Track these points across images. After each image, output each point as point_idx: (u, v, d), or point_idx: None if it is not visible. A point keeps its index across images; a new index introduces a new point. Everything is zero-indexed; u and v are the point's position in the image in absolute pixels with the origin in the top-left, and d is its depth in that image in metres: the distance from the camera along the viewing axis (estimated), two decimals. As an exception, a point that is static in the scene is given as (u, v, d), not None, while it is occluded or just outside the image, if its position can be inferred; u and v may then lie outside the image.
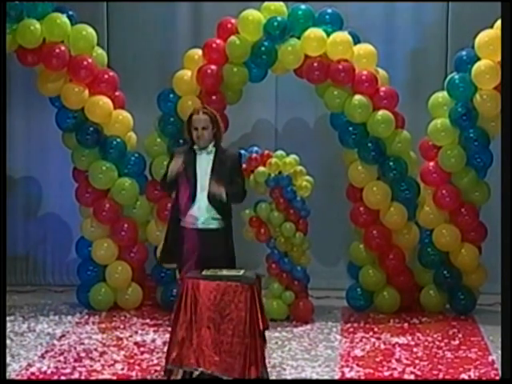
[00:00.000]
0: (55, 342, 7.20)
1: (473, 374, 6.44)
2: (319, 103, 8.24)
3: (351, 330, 7.62)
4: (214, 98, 8.10)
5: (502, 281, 5.74)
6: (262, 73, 8.18)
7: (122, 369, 6.51)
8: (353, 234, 8.34)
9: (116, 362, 6.66)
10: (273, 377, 6.31)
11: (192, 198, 6.38)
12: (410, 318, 7.95)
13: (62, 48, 7.87)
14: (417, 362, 6.72)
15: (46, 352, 6.90)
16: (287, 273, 7.83)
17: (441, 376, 6.42)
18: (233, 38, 7.99)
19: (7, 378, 6.27)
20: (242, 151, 7.76)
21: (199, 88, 8.10)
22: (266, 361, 6.45)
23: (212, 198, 6.34)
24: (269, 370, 6.35)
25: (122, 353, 6.88)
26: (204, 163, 6.44)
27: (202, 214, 6.38)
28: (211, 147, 6.47)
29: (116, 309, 8.21)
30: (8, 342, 7.13)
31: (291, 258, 7.84)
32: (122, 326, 7.68)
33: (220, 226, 6.41)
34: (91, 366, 6.56)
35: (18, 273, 9.23)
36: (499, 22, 7.45)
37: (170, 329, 7.29)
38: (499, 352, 6.62)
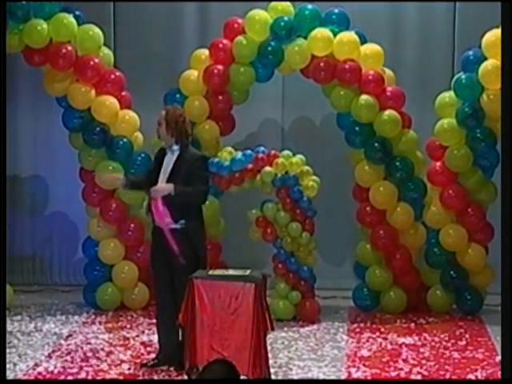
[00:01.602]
0: (62, 341, 7.21)
1: (480, 375, 6.43)
2: (326, 103, 8.23)
3: (358, 330, 7.62)
4: (220, 97, 8.11)
5: (502, 281, 5.73)
6: (269, 73, 8.18)
7: (129, 368, 6.51)
8: (359, 234, 8.34)
9: (123, 361, 6.66)
10: (279, 377, 6.31)
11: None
12: (417, 318, 7.94)
13: (69, 48, 7.88)
14: (423, 362, 6.71)
15: (53, 352, 6.91)
16: (294, 273, 7.83)
17: (448, 376, 6.41)
18: (239, 38, 7.99)
19: (15, 377, 6.29)
20: (249, 151, 7.78)
21: (206, 88, 8.10)
22: (273, 361, 6.47)
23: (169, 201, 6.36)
24: (275, 370, 6.36)
25: (129, 352, 6.88)
26: (167, 163, 6.53)
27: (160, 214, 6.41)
28: (176, 147, 6.53)
29: (123, 308, 8.22)
30: (15, 341, 7.15)
31: (298, 257, 7.83)
32: (128, 326, 7.69)
33: (180, 226, 6.39)
34: (98, 365, 6.57)
35: (24, 272, 9.24)
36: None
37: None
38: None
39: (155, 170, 6.61)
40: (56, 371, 6.45)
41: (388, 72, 8.08)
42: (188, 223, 6.41)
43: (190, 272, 6.23)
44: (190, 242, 6.42)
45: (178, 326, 6.27)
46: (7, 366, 6.47)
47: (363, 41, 8.01)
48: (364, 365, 6.62)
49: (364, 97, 7.85)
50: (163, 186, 6.43)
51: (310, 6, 8.01)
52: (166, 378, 6.33)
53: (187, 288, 6.16)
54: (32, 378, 6.31)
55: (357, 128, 8.01)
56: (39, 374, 6.40)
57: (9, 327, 7.52)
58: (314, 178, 7.85)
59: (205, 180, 6.55)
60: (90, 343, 7.13)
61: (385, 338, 7.34)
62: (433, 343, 7.22)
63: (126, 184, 6.75)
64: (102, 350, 6.94)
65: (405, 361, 6.74)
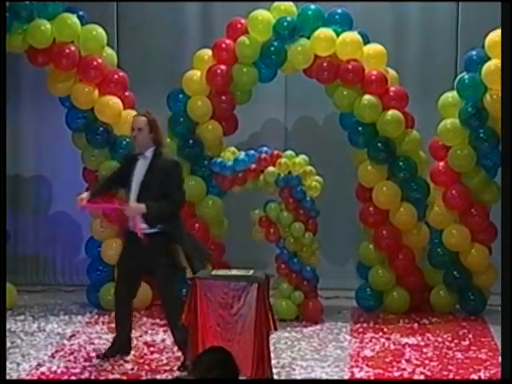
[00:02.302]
0: (65, 341, 7.21)
1: (483, 375, 6.43)
2: (329, 103, 8.23)
3: (361, 330, 7.62)
4: (223, 98, 8.11)
5: (502, 281, 5.73)
6: (272, 73, 8.18)
7: (132, 369, 6.52)
8: (362, 234, 8.33)
9: (126, 361, 6.67)
10: (282, 377, 6.31)
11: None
12: (420, 319, 7.93)
13: (72, 48, 7.89)
14: (427, 362, 6.71)
15: (56, 352, 6.92)
16: (296, 273, 7.83)
17: (451, 376, 6.41)
18: (242, 38, 8.00)
19: (18, 377, 6.30)
20: (252, 151, 7.78)
21: (209, 88, 8.11)
22: (276, 361, 6.48)
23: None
24: (278, 370, 6.36)
25: (132, 352, 6.88)
26: (140, 169, 6.51)
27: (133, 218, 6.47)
28: (149, 153, 6.51)
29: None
30: (18, 341, 7.16)
31: (300, 258, 7.83)
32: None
33: (154, 231, 6.43)
34: (101, 365, 6.57)
35: (28, 273, 9.25)
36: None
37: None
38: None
39: (125, 175, 6.57)
40: (59, 371, 6.46)
41: (391, 72, 8.08)
42: (165, 226, 6.44)
43: (171, 275, 6.43)
44: (168, 245, 6.46)
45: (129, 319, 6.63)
46: (11, 365, 6.50)
47: (366, 41, 8.00)
48: (367, 365, 6.62)
49: (367, 97, 7.85)
50: (135, 208, 6.39)
51: (312, 6, 8.01)
52: (169, 377, 6.33)
53: (190, 288, 6.17)
54: (35, 377, 6.32)
55: (360, 128, 8.01)
56: (42, 373, 6.41)
57: (12, 327, 7.54)
58: (317, 178, 7.85)
59: (180, 186, 6.54)
60: (93, 343, 7.14)
61: (388, 338, 7.34)
62: (436, 343, 7.21)
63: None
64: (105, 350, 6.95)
65: (408, 361, 6.74)
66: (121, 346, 6.77)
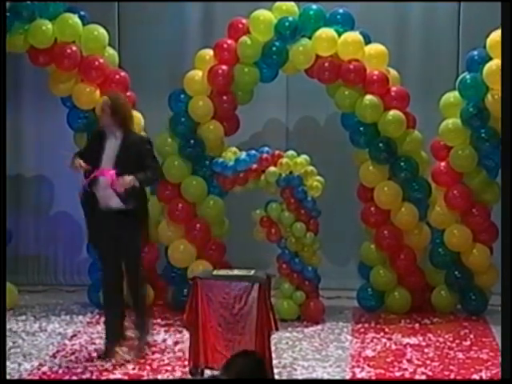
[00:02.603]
0: (66, 341, 7.21)
1: (484, 375, 6.43)
2: (330, 103, 8.23)
3: (362, 330, 7.62)
4: (224, 98, 8.11)
5: (502, 281, 5.73)
6: (273, 73, 8.18)
7: (133, 368, 6.52)
8: (364, 234, 8.33)
9: (127, 361, 6.66)
10: (284, 377, 6.31)
11: (94, 180, 6.63)
12: (421, 319, 7.93)
13: (74, 48, 7.89)
14: (428, 362, 6.71)
15: (58, 352, 6.92)
16: (298, 273, 7.83)
17: (452, 377, 6.41)
18: (244, 38, 7.99)
19: (20, 377, 6.30)
20: (253, 151, 7.78)
21: (210, 88, 8.11)
22: (277, 361, 6.48)
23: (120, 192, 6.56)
24: (279, 370, 6.36)
25: (133, 352, 6.87)
26: (110, 148, 6.66)
27: (103, 195, 6.63)
28: (119, 133, 6.66)
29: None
30: (20, 341, 7.16)
31: (302, 258, 7.83)
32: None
33: (125, 207, 6.60)
34: (102, 365, 6.58)
35: (29, 273, 9.24)
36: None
37: (180, 328, 7.33)
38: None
39: (94, 150, 6.70)
40: (60, 371, 6.46)
41: (392, 72, 8.08)
42: (135, 203, 6.61)
43: (137, 249, 6.71)
44: (135, 222, 6.65)
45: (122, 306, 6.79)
46: (12, 365, 6.50)
47: (368, 41, 8.00)
48: (368, 365, 6.62)
49: (368, 97, 7.85)
50: (127, 180, 6.52)
51: (314, 6, 8.01)
52: (171, 377, 6.33)
53: (191, 288, 6.18)
54: (36, 377, 6.32)
55: (361, 128, 8.00)
56: (44, 373, 6.41)
57: (13, 327, 7.54)
58: (319, 178, 7.85)
59: (155, 158, 6.86)
60: (94, 343, 7.14)
61: (389, 339, 7.34)
62: (437, 343, 7.21)
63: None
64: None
65: (409, 361, 6.73)
66: (116, 338, 6.82)
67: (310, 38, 7.93)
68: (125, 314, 6.90)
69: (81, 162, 6.63)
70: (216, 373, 6.05)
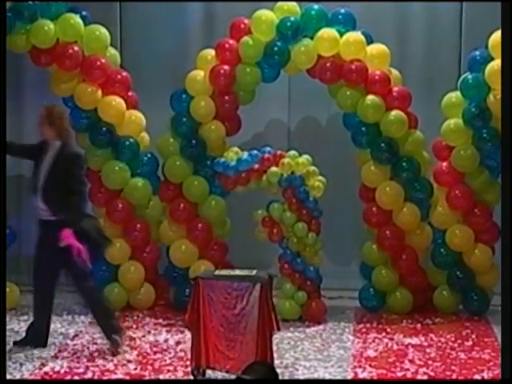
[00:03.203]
0: (68, 341, 7.22)
1: (486, 375, 6.43)
2: (332, 103, 8.23)
3: (364, 330, 7.61)
4: (226, 98, 8.11)
5: (502, 281, 5.72)
6: (275, 73, 8.18)
7: (135, 368, 6.52)
8: (365, 235, 8.33)
9: (129, 361, 6.67)
10: (285, 377, 6.31)
11: (34, 192, 6.76)
12: (423, 319, 7.93)
13: (76, 48, 7.89)
14: (430, 362, 6.71)
15: (60, 352, 6.92)
16: (300, 273, 7.83)
17: (454, 377, 6.40)
18: (246, 38, 7.99)
19: (21, 377, 6.30)
20: (255, 151, 7.77)
21: (212, 88, 8.11)
22: (279, 361, 6.48)
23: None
24: (281, 370, 6.36)
25: (135, 352, 6.89)
26: (47, 161, 6.76)
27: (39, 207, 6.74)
28: (57, 145, 6.74)
29: (129, 309, 8.23)
30: (21, 341, 7.17)
31: (304, 258, 7.83)
32: (134, 326, 7.69)
33: (55, 218, 6.67)
34: (104, 365, 6.58)
35: (31, 273, 9.20)
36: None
37: (182, 328, 7.34)
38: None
39: (36, 156, 6.81)
40: (62, 371, 6.46)
41: (394, 72, 8.07)
42: (66, 215, 6.67)
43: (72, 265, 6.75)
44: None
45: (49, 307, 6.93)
46: (14, 365, 6.51)
47: (369, 41, 8.00)
48: (370, 365, 6.62)
49: (370, 97, 7.85)
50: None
51: (316, 6, 8.00)
52: (173, 377, 6.34)
53: (193, 288, 6.18)
54: (38, 377, 6.33)
55: (363, 128, 8.00)
56: (45, 373, 6.41)
57: (15, 327, 7.54)
58: (320, 178, 7.84)
59: (83, 181, 6.89)
60: (96, 343, 7.14)
61: (391, 339, 7.34)
62: (439, 344, 7.21)
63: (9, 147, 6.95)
64: (109, 350, 6.95)
65: (411, 361, 6.73)
66: (38, 337, 6.95)
67: (311, 38, 7.92)
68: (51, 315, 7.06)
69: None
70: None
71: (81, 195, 6.82)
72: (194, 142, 8.16)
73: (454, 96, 8.00)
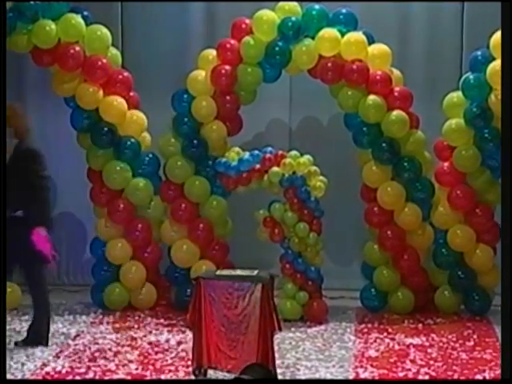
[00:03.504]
0: (70, 341, 7.22)
1: (487, 375, 6.42)
2: (333, 103, 8.23)
3: (365, 330, 7.61)
4: (228, 98, 8.11)
5: (502, 281, 5.71)
6: (276, 73, 8.17)
7: (136, 369, 6.52)
8: (367, 235, 8.33)
9: (130, 361, 6.67)
10: (287, 377, 6.30)
11: None
12: (425, 319, 7.93)
13: (77, 48, 7.89)
14: (431, 362, 6.70)
15: (61, 351, 6.92)
16: (301, 273, 7.83)
17: (455, 377, 6.39)
18: (247, 38, 7.99)
19: (23, 377, 6.30)
20: (256, 151, 7.77)
21: (213, 88, 8.11)
22: (280, 361, 6.47)
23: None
24: (283, 370, 6.36)
25: (136, 353, 6.89)
26: (10, 156, 6.74)
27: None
28: (15, 141, 6.75)
29: (130, 309, 8.23)
30: (23, 341, 7.17)
31: (305, 258, 7.83)
32: (136, 326, 7.69)
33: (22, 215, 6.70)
34: (105, 365, 6.58)
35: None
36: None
37: (183, 328, 7.34)
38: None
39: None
40: (64, 371, 6.46)
41: (396, 72, 8.07)
42: (27, 211, 6.69)
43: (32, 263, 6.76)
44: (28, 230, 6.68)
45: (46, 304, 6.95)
46: (15, 365, 6.50)
47: (371, 41, 8.00)
48: (371, 365, 6.62)
49: (372, 97, 7.85)
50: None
51: (317, 6, 8.00)
52: (174, 377, 6.34)
53: (194, 288, 6.18)
54: (40, 377, 6.32)
55: (364, 128, 8.00)
56: (47, 373, 6.41)
57: (17, 327, 7.54)
58: (322, 178, 7.84)
59: (40, 174, 6.81)
60: (97, 343, 7.15)
61: (392, 339, 7.33)
62: (440, 344, 7.21)
63: None
64: (110, 350, 6.95)
65: (412, 361, 6.73)
66: (39, 336, 6.97)
67: (313, 38, 7.92)
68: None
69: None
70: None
71: (44, 190, 6.81)
72: (195, 142, 8.16)
73: (456, 96, 8.00)
